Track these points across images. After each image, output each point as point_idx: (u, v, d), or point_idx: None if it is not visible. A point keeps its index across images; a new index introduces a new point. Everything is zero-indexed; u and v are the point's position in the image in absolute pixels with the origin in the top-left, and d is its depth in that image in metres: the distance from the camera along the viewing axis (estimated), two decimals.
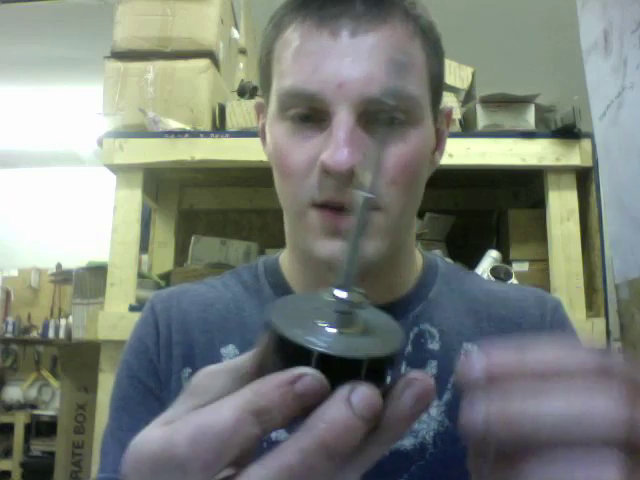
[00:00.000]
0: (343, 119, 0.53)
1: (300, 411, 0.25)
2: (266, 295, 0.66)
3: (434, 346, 0.62)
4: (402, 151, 0.55)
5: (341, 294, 0.28)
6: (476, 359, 0.27)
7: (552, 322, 0.65)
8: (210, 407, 0.26)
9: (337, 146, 0.51)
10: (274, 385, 0.25)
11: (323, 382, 0.25)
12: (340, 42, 0.54)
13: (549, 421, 0.25)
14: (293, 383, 0.25)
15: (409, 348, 0.62)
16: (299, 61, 0.55)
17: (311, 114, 0.55)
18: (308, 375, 0.25)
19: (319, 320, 0.28)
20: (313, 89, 0.53)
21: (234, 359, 0.30)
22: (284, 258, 0.69)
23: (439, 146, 0.64)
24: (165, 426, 0.27)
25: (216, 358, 0.63)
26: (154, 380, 0.64)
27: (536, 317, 0.65)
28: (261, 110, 0.66)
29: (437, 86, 0.60)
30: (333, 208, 0.54)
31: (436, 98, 0.60)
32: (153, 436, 0.27)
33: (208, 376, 0.30)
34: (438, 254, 1.20)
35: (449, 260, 1.29)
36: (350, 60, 0.53)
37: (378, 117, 0.54)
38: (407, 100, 0.55)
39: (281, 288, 0.66)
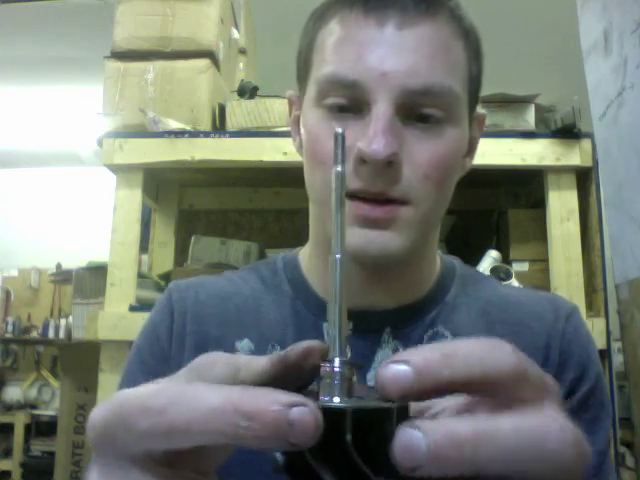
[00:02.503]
0: (382, 108, 0.52)
1: (279, 441, 0.22)
2: (284, 291, 0.66)
3: None
4: (437, 147, 0.55)
5: (336, 364, 0.26)
6: (401, 373, 0.24)
7: (565, 327, 0.65)
8: (202, 385, 0.25)
9: (375, 134, 0.51)
10: (272, 399, 0.23)
11: (319, 421, 0.22)
12: (386, 33, 0.54)
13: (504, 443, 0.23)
14: (290, 407, 0.22)
15: None
16: (343, 49, 0.55)
17: (349, 105, 0.55)
18: (308, 407, 0.22)
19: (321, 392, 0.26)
20: (355, 76, 0.54)
21: (247, 356, 0.29)
22: (304, 254, 0.69)
23: (470, 151, 0.64)
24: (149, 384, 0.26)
25: (230, 351, 0.62)
26: (163, 368, 0.64)
27: (549, 322, 0.65)
28: (294, 102, 0.65)
29: (475, 90, 0.60)
30: (364, 198, 0.54)
31: (472, 102, 0.60)
32: (142, 387, 0.26)
33: (210, 360, 0.29)
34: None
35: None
36: (395, 51, 0.53)
37: (416, 113, 0.54)
38: (448, 96, 0.55)
39: (299, 284, 0.66)
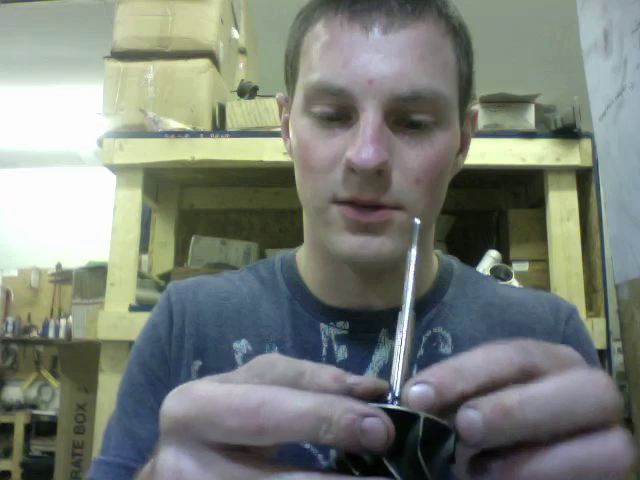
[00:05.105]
0: (371, 116, 0.52)
1: (352, 444, 0.26)
2: (282, 291, 0.66)
3: (446, 350, 0.62)
4: (428, 153, 0.54)
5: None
6: (424, 393, 0.27)
7: (566, 329, 0.65)
8: (285, 389, 0.27)
9: (364, 143, 0.51)
10: (347, 407, 0.26)
11: (390, 431, 0.26)
12: (372, 37, 0.53)
13: (546, 407, 0.26)
14: (364, 416, 0.26)
15: (421, 351, 0.62)
16: (328, 55, 0.54)
17: (337, 114, 0.54)
18: (380, 418, 0.26)
19: None
20: (342, 84, 0.53)
21: (311, 364, 0.30)
22: (300, 254, 0.69)
23: (463, 149, 0.63)
24: (230, 384, 0.29)
25: (228, 352, 0.63)
26: (164, 369, 0.64)
27: (550, 323, 0.64)
28: (284, 104, 0.65)
29: (466, 88, 0.59)
30: (356, 205, 0.54)
31: (464, 100, 0.59)
32: (224, 386, 0.28)
33: (270, 361, 0.31)
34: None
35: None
36: (381, 56, 0.52)
37: (406, 120, 0.53)
38: (437, 101, 0.54)
39: (295, 285, 0.66)
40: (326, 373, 0.29)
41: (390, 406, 0.27)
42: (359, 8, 0.54)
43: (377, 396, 0.28)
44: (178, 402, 0.29)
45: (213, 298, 0.66)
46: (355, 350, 0.62)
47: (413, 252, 0.33)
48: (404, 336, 0.31)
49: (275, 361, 0.30)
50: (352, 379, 0.29)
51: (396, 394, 0.29)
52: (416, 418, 0.27)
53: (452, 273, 0.68)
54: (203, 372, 0.63)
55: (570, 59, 2.14)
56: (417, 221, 0.35)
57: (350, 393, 0.28)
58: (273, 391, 0.27)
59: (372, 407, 0.26)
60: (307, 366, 0.30)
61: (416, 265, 0.33)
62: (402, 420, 0.26)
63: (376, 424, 0.25)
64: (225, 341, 0.63)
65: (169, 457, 0.28)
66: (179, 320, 0.65)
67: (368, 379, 0.29)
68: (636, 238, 1.28)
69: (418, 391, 0.27)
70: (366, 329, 0.62)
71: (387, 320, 0.62)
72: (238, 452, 0.27)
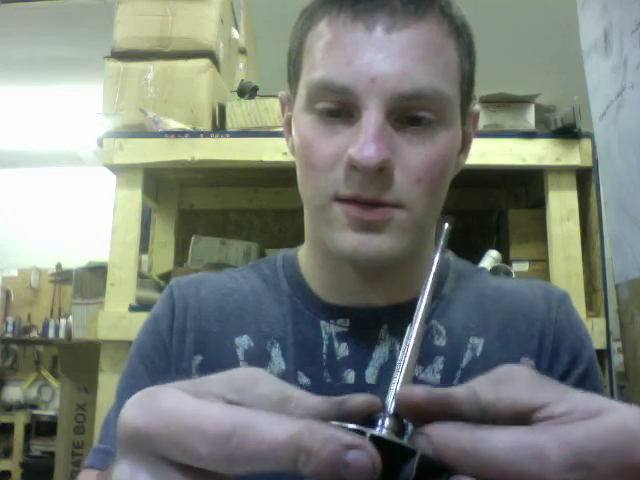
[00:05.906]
0: (373, 114, 0.52)
1: (334, 477, 0.23)
2: (283, 289, 0.67)
3: (440, 342, 0.62)
4: (429, 152, 0.55)
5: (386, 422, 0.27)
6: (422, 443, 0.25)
7: (558, 313, 0.65)
8: (261, 413, 0.24)
9: (366, 141, 0.51)
10: (330, 436, 0.23)
11: (376, 465, 0.23)
12: (375, 36, 0.53)
13: None
14: (347, 449, 0.23)
15: None
16: (331, 54, 0.55)
17: (339, 110, 0.55)
18: (365, 451, 0.23)
19: None
20: (344, 82, 0.53)
21: (297, 389, 0.28)
22: (302, 253, 0.69)
23: (464, 148, 0.64)
24: (202, 400, 0.26)
25: (230, 347, 0.63)
26: (165, 363, 0.65)
27: (543, 310, 0.65)
28: (286, 102, 0.65)
29: (468, 88, 0.60)
30: (358, 202, 0.54)
31: (466, 100, 0.60)
32: (189, 403, 0.25)
33: (253, 377, 0.28)
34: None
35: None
36: (384, 55, 0.53)
37: (408, 115, 0.54)
38: (439, 100, 0.54)
39: (297, 283, 0.67)
40: (314, 399, 0.27)
41: (385, 436, 0.25)
42: (362, 7, 0.54)
43: (369, 413, 0.27)
44: (140, 411, 0.25)
45: (215, 294, 0.67)
46: (356, 347, 0.62)
47: (437, 257, 0.31)
48: (408, 351, 0.29)
49: (259, 379, 0.28)
50: (343, 397, 0.27)
51: (390, 413, 0.26)
52: (411, 453, 0.24)
53: (449, 267, 0.69)
54: (203, 367, 0.64)
55: (570, 59, 2.14)
56: (447, 225, 0.33)
57: (340, 409, 0.26)
58: (247, 415, 0.24)
59: (359, 436, 0.23)
60: (293, 391, 0.27)
61: (435, 273, 0.31)
62: (394, 450, 0.24)
63: (361, 457, 0.22)
64: (227, 336, 0.64)
65: (124, 472, 0.25)
66: (181, 315, 0.66)
67: (360, 395, 0.27)
68: (636, 238, 1.28)
69: (416, 441, 0.25)
70: (366, 326, 0.63)
71: (387, 316, 0.63)
72: (201, 472, 0.24)
